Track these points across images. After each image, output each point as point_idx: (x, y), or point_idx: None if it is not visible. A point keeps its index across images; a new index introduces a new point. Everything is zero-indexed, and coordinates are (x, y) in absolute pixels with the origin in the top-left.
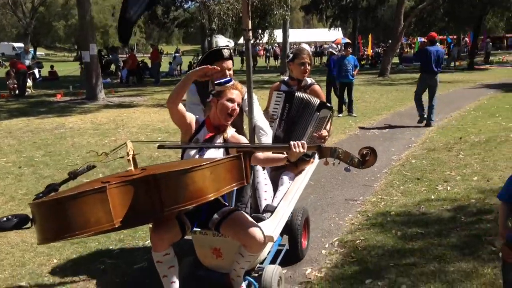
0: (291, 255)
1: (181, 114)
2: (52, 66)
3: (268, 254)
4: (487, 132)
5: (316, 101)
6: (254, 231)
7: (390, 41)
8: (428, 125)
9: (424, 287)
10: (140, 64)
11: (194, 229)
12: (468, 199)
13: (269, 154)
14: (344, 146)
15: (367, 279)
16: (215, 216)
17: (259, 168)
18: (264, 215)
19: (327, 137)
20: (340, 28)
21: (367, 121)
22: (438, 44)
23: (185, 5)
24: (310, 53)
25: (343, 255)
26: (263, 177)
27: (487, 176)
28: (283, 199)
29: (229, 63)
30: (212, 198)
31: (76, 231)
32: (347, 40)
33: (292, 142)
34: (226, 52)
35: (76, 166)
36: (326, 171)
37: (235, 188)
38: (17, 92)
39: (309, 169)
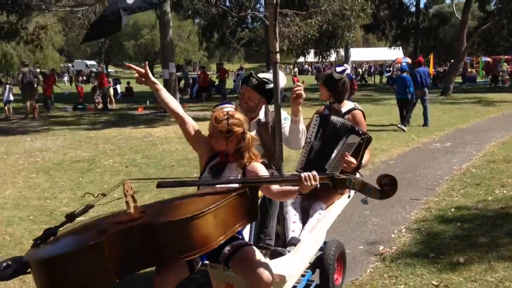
0: None
1: (192, 131)
2: (128, 83)
3: None
4: None
5: (346, 125)
6: (261, 271)
7: (452, 60)
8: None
9: (477, 259)
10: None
11: (205, 261)
12: None
13: (283, 187)
14: (406, 157)
15: (430, 253)
16: (226, 250)
17: None
18: (287, 248)
19: (353, 165)
20: (400, 47)
21: (429, 136)
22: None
23: (250, 26)
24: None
25: (410, 238)
26: (292, 207)
27: None
28: (309, 232)
29: (250, 93)
30: (217, 245)
31: None
32: (408, 60)
33: (302, 174)
34: (252, 80)
35: (172, 167)
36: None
37: (241, 227)
38: (100, 106)
39: (343, 201)
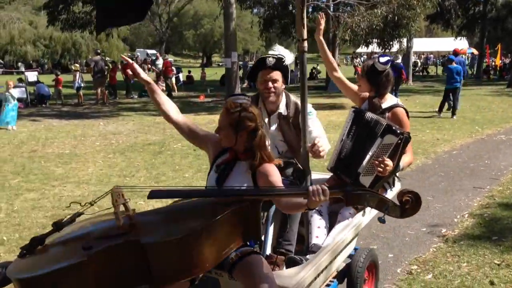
0: None
1: (188, 131)
2: (189, 71)
3: None
4: None
5: (381, 125)
6: (264, 285)
7: None
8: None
9: None
10: None
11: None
12: None
13: (290, 200)
14: (470, 148)
15: (493, 236)
16: (231, 256)
17: None
18: (307, 256)
19: (389, 168)
20: (465, 38)
21: (494, 128)
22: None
23: (310, 15)
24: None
25: (472, 223)
26: (317, 210)
27: None
28: (333, 239)
29: (273, 74)
30: (212, 267)
31: None
32: (473, 50)
33: (310, 188)
34: (270, 61)
35: None
36: (454, 165)
37: (238, 246)
38: (164, 93)
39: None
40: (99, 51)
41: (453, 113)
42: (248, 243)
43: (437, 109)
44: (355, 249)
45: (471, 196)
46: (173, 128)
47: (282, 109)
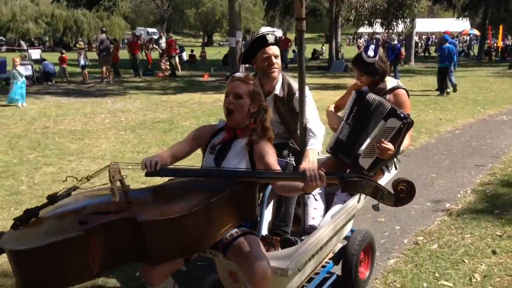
0: (343, 286)
1: (186, 151)
2: (192, 50)
3: (309, 282)
4: None
5: (386, 107)
6: (257, 264)
7: None
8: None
9: None
10: None
11: None
12: None
13: (286, 182)
14: (472, 128)
15: (495, 210)
16: (226, 236)
17: None
18: (302, 237)
19: (390, 152)
20: (468, 18)
21: (496, 109)
22: None
23: None
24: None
25: (475, 198)
26: (315, 192)
27: None
28: (329, 220)
29: (274, 49)
30: (208, 247)
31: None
32: (475, 31)
33: (308, 173)
34: (270, 37)
35: None
36: (457, 144)
37: (235, 226)
38: (168, 72)
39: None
40: (104, 29)
41: (454, 89)
42: (243, 224)
43: (438, 92)
44: (352, 230)
45: (474, 173)
46: (179, 107)
47: (277, 90)
